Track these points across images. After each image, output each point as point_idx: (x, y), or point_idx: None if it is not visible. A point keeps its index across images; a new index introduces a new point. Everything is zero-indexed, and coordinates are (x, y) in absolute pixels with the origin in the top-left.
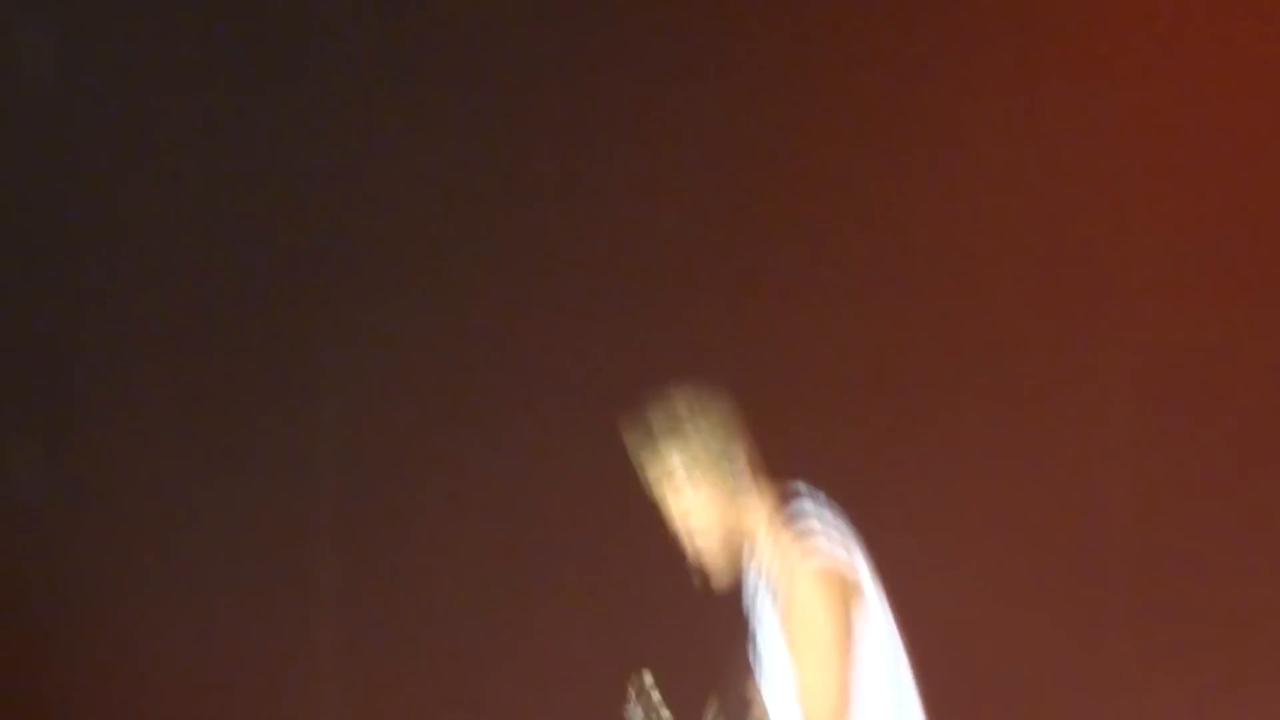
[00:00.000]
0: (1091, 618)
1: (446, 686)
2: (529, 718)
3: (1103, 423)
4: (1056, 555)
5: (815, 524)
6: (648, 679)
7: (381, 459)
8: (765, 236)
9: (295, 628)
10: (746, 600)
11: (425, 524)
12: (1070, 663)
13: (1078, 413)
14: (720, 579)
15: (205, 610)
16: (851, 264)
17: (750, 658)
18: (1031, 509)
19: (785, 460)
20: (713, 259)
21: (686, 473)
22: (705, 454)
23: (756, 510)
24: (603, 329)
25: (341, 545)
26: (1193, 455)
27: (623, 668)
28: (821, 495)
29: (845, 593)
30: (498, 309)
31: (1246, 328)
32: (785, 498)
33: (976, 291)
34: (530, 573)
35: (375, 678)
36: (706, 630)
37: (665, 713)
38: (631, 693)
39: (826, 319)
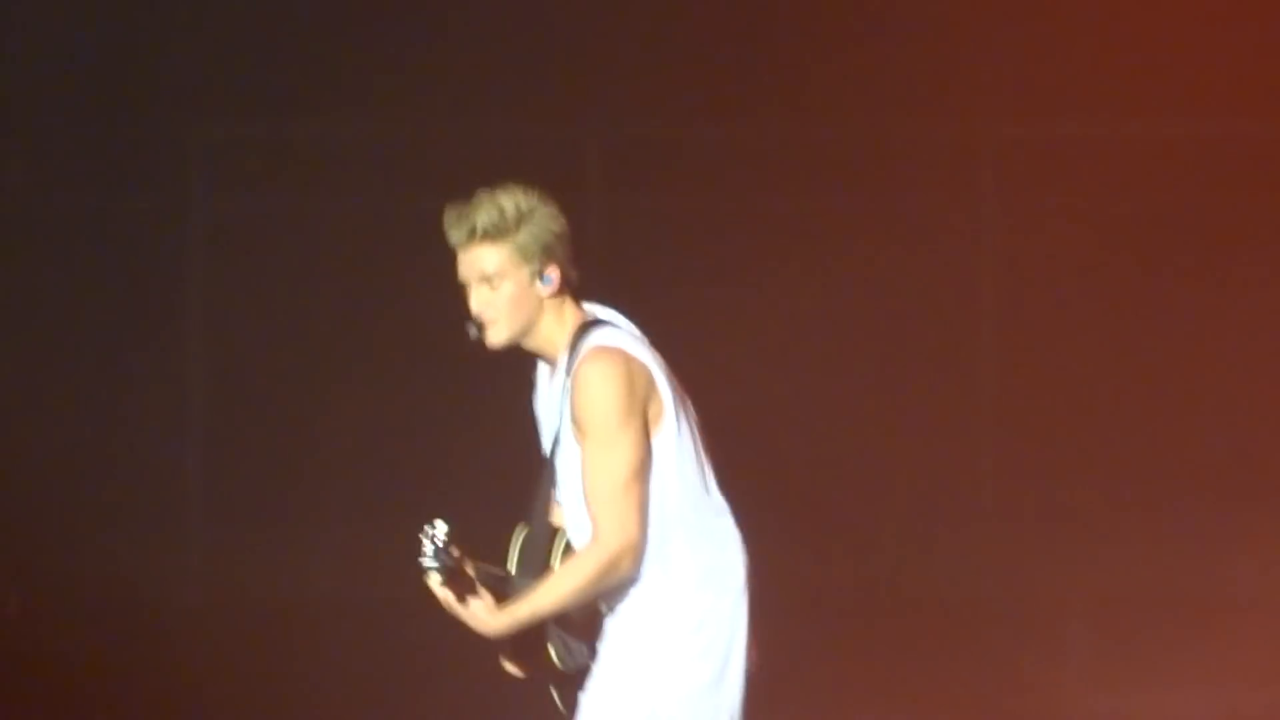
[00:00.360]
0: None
1: None
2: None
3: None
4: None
5: (614, 328)
6: (440, 527)
7: None
8: None
9: None
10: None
11: None
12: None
13: None
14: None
15: None
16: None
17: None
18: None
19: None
20: None
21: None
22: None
23: (564, 318)
24: None
25: None
26: None
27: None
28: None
29: (630, 374)
30: None
31: None
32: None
33: None
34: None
35: None
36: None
37: (454, 552)
38: (424, 540)
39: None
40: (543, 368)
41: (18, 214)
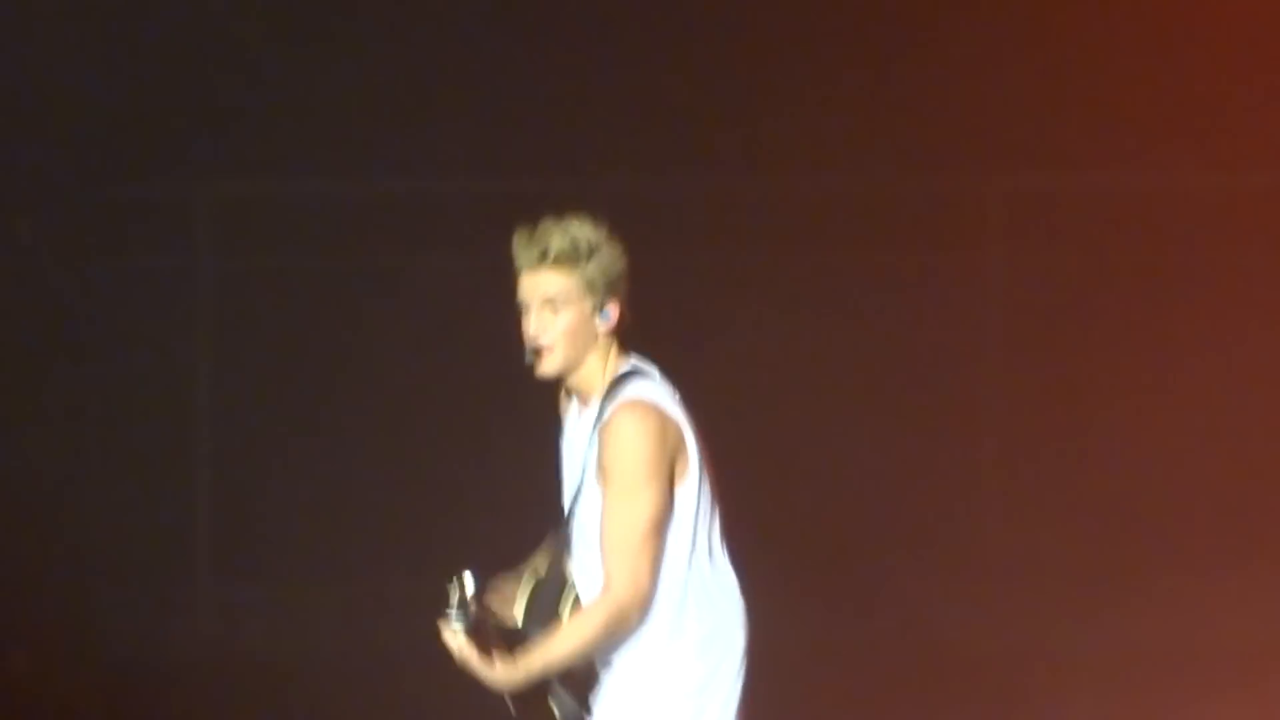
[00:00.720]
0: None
1: None
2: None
3: None
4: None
5: (652, 382)
6: (469, 580)
7: None
8: None
9: None
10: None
11: None
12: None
13: None
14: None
15: None
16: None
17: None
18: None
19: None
20: None
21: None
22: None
23: (609, 360)
24: None
25: None
26: None
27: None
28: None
29: (664, 430)
30: None
31: None
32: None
33: None
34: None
35: None
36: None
37: (479, 606)
38: (452, 592)
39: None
40: (571, 406)
41: (25, 274)
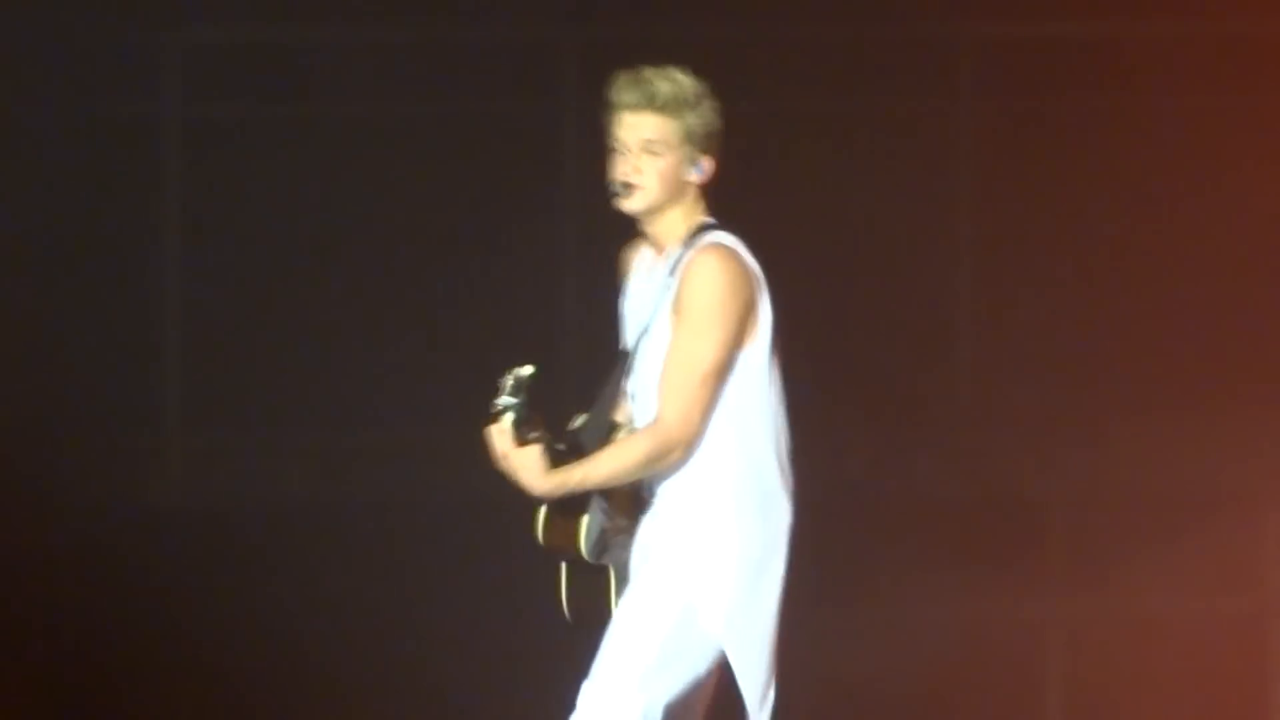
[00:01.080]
0: None
1: None
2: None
3: None
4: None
5: (732, 237)
6: (527, 370)
7: None
8: None
9: None
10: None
11: None
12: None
13: None
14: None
15: None
16: None
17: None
18: None
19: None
20: None
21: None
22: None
23: (691, 212)
24: None
25: None
26: None
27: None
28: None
29: (743, 279)
30: None
31: None
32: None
33: None
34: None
35: None
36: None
37: (524, 412)
38: (509, 380)
39: None
40: (642, 260)
41: None
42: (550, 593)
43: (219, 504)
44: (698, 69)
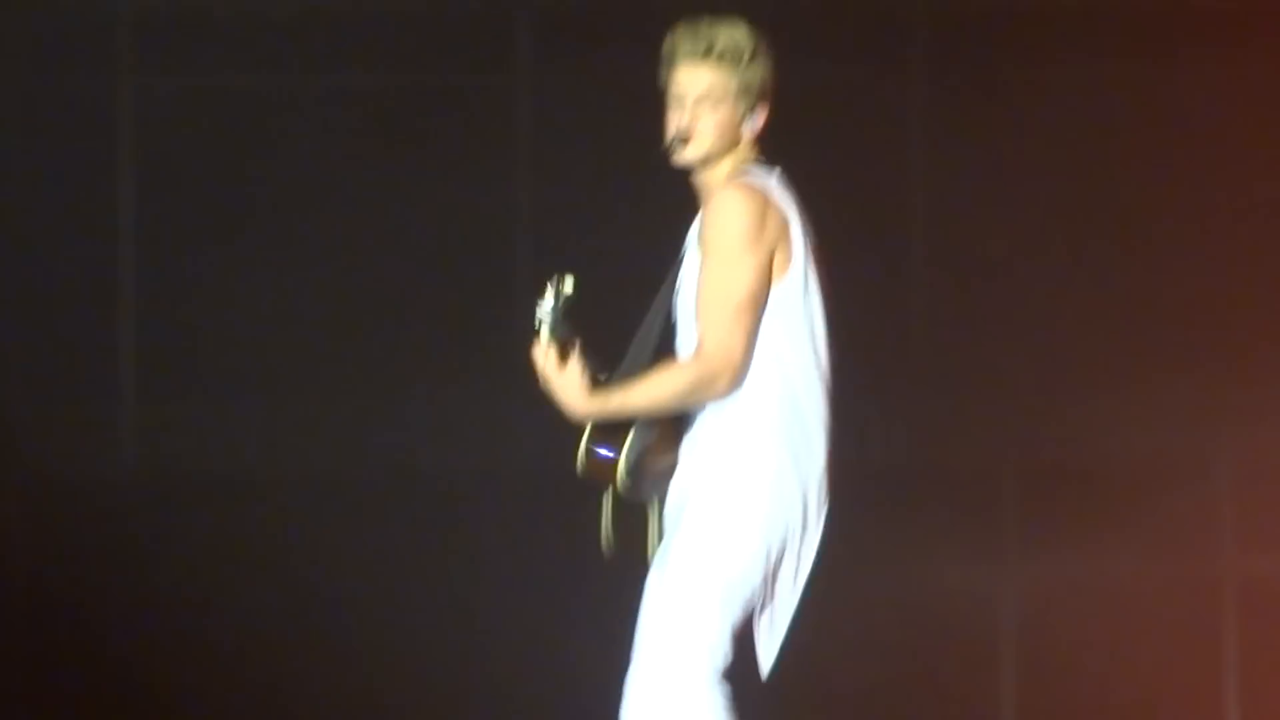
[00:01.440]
0: None
1: None
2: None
3: None
4: None
5: (767, 178)
6: (569, 283)
7: None
8: None
9: None
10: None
11: None
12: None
13: None
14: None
15: None
16: None
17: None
18: None
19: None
20: None
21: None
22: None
23: (740, 162)
24: None
25: None
26: None
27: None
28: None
29: (764, 212)
30: None
31: None
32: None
33: None
34: None
35: None
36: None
37: (562, 325)
38: (549, 291)
39: None
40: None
41: None
42: (499, 555)
43: (173, 476)
44: (649, 39)
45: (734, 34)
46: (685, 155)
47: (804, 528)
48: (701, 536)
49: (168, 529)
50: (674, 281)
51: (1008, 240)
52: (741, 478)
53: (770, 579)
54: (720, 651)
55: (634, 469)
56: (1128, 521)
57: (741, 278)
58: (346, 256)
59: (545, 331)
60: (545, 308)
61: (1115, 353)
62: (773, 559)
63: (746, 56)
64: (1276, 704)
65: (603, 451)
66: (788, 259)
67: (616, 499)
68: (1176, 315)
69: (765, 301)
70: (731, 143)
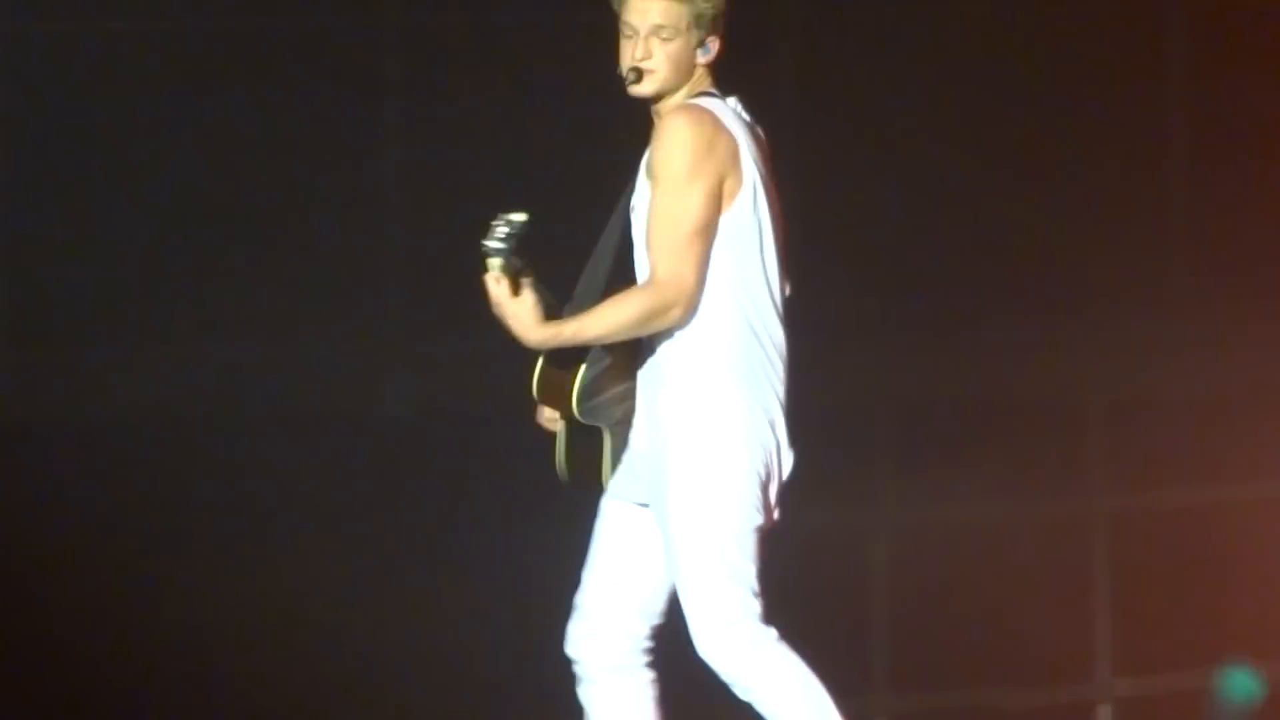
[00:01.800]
0: None
1: None
2: None
3: None
4: None
5: (720, 102)
6: (520, 216)
7: None
8: None
9: None
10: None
11: None
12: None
13: None
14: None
15: None
16: None
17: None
18: None
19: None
20: None
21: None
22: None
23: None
24: None
25: None
26: None
27: None
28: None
29: (714, 137)
30: None
31: None
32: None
33: None
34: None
35: None
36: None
37: (513, 258)
38: (498, 225)
39: None
40: None
41: None
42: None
43: (47, 420)
44: None
45: None
46: (640, 89)
47: (778, 448)
48: (693, 482)
49: (44, 474)
50: (625, 209)
51: (880, 176)
52: (710, 411)
53: (765, 497)
54: (755, 587)
55: (587, 393)
56: (999, 458)
57: (691, 205)
58: (223, 198)
59: (498, 263)
60: (496, 237)
61: (986, 290)
62: (762, 478)
63: None
64: (1147, 640)
65: (557, 377)
66: (738, 184)
67: (570, 427)
68: (1048, 252)
69: (715, 228)
70: (686, 74)
